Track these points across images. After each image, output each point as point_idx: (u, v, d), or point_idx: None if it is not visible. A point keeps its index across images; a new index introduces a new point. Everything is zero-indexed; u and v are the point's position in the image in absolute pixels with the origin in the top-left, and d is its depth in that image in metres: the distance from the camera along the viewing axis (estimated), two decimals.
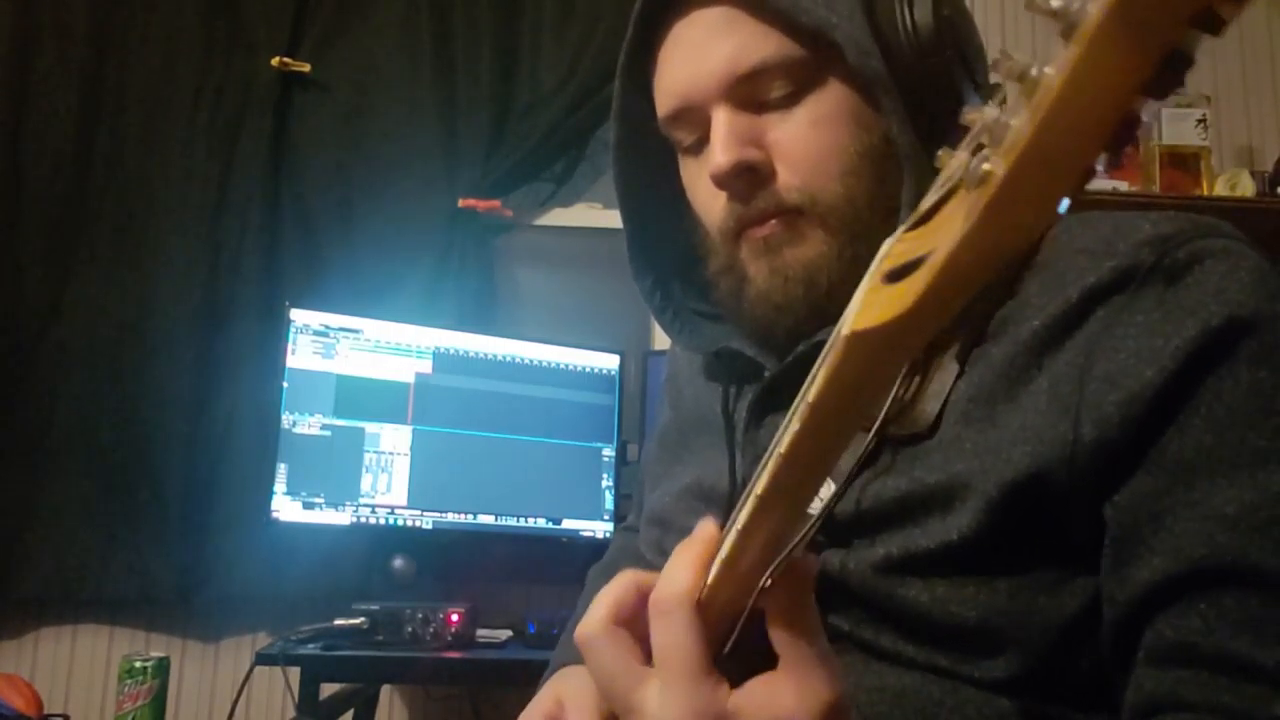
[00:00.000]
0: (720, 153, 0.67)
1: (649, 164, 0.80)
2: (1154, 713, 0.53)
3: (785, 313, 0.69)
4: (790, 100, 0.68)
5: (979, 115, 0.23)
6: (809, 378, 0.38)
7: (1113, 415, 0.56)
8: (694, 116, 0.71)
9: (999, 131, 0.23)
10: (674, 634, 0.44)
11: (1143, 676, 0.54)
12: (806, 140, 0.67)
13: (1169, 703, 0.53)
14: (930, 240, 0.27)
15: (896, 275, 0.28)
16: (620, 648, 0.48)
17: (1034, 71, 0.20)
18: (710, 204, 0.72)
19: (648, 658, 0.47)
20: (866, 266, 0.64)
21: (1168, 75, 0.19)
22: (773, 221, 0.68)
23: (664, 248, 0.82)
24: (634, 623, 0.48)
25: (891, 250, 0.30)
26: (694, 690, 0.44)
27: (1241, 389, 0.55)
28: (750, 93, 0.68)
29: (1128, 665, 0.56)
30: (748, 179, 0.67)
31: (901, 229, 0.31)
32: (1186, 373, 0.55)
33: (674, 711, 0.44)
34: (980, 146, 0.23)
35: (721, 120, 0.68)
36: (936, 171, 0.68)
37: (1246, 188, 2.26)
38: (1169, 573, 0.54)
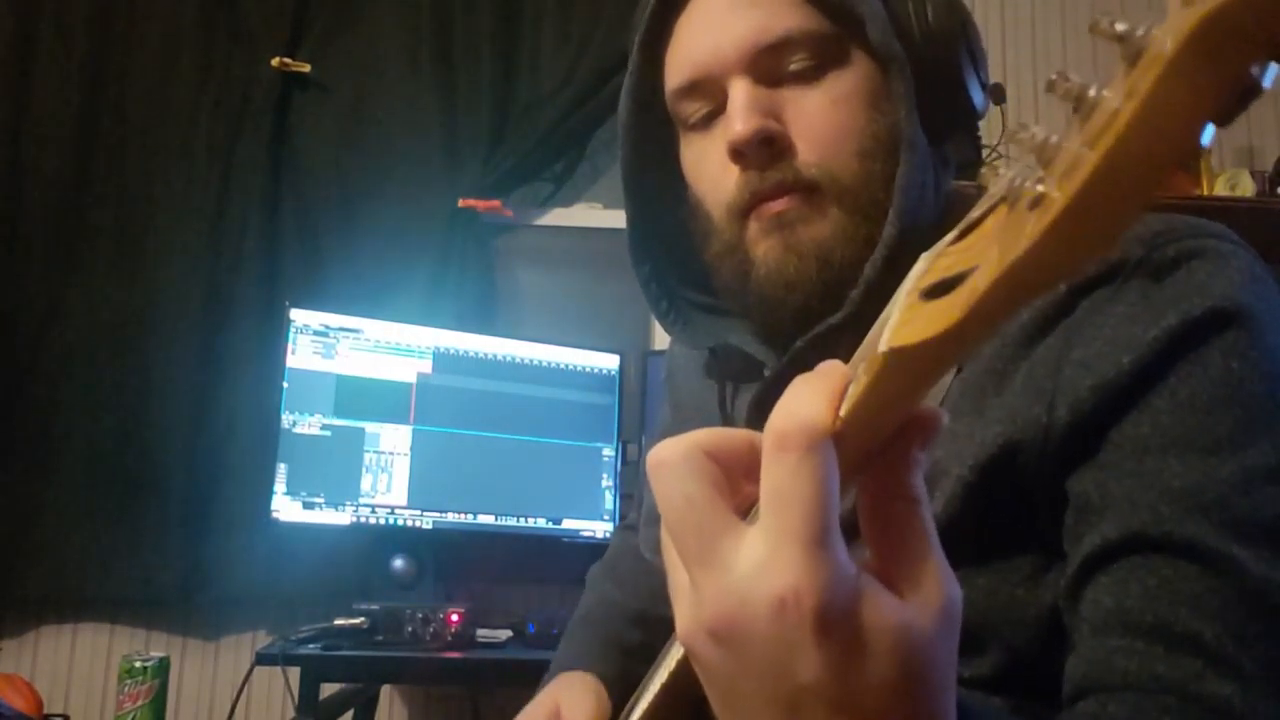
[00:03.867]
0: (740, 121, 0.66)
1: (652, 149, 0.78)
2: (1092, 689, 0.53)
3: (795, 290, 0.68)
4: (810, 76, 0.68)
5: (1028, 135, 0.23)
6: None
7: (1086, 399, 0.57)
8: (709, 88, 0.70)
9: (1048, 153, 0.23)
10: (802, 474, 0.32)
11: (1081, 645, 0.54)
12: (826, 117, 0.67)
13: (1105, 672, 0.52)
14: (970, 257, 0.27)
15: (935, 292, 0.28)
16: (708, 481, 0.35)
17: (1092, 93, 0.20)
18: (720, 178, 0.70)
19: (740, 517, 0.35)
20: (874, 248, 0.64)
21: (1237, 103, 0.19)
22: (788, 197, 0.67)
23: (662, 236, 0.81)
24: (732, 471, 0.36)
25: (932, 265, 0.30)
26: (817, 554, 0.31)
27: (1211, 376, 0.55)
28: (771, 65, 0.68)
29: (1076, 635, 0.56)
30: (765, 151, 0.67)
31: (942, 243, 0.31)
32: (1161, 358, 0.56)
33: (783, 577, 0.31)
34: (1027, 167, 0.23)
35: (741, 90, 0.67)
36: (932, 161, 0.68)
37: (1246, 188, 2.26)
38: (1109, 539, 0.54)
